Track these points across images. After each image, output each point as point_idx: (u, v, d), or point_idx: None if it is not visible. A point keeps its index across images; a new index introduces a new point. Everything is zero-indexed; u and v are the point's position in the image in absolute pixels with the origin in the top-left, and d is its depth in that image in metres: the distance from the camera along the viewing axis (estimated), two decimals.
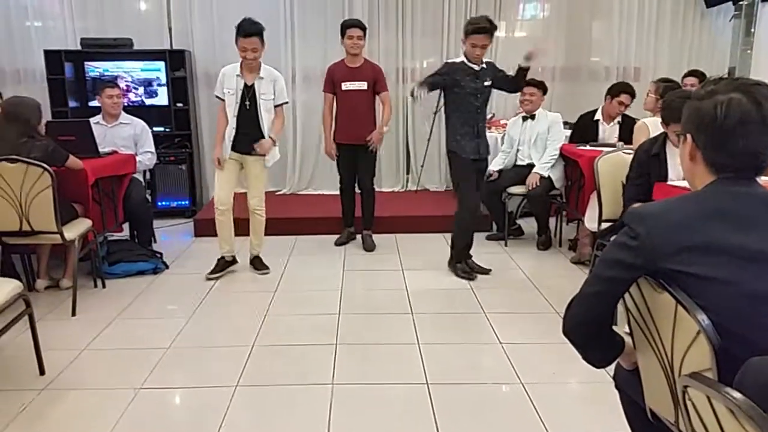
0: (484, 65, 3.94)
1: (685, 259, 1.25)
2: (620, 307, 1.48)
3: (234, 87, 4.03)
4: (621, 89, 4.78)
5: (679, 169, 3.24)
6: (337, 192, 4.97)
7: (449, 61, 3.86)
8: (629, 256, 1.32)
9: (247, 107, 4.05)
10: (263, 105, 4.05)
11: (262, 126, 4.07)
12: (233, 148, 4.10)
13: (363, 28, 4.56)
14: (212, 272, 4.21)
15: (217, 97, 4.15)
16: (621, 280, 1.37)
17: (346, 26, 4.56)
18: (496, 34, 6.14)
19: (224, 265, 4.28)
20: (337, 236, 5.03)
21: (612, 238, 1.41)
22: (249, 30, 3.85)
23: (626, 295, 1.45)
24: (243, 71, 4.03)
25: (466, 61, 3.83)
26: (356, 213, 5.01)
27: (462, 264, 3.97)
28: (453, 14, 6.19)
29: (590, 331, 1.45)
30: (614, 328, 1.48)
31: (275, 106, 4.12)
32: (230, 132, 4.07)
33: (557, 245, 4.95)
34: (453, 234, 4.12)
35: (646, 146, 3.36)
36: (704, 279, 1.24)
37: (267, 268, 4.33)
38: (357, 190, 4.93)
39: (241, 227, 4.42)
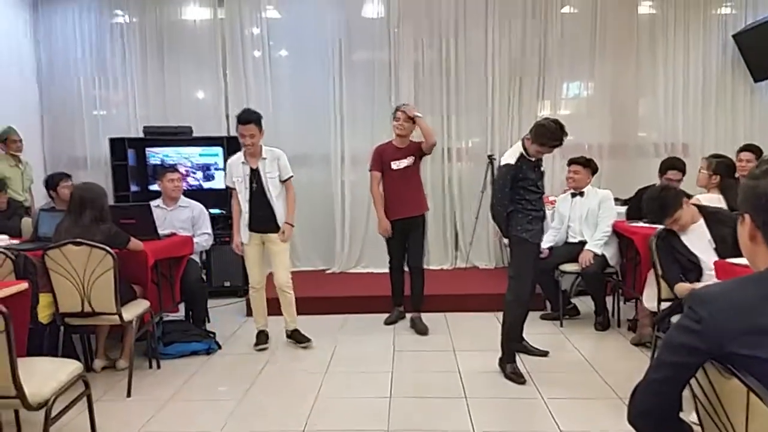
0: None
1: (752, 342, 1.20)
2: (686, 393, 1.41)
3: (241, 174, 4.30)
4: (668, 165, 4.72)
5: (694, 240, 3.40)
6: (386, 270, 4.96)
7: (509, 163, 3.64)
8: (693, 339, 1.27)
9: (254, 189, 4.30)
10: (270, 183, 4.29)
11: (272, 204, 4.30)
12: (252, 230, 4.34)
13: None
14: (259, 344, 4.43)
15: (228, 187, 4.42)
16: (686, 365, 1.31)
17: (394, 110, 4.76)
18: (540, 113, 6.30)
19: (266, 337, 4.49)
20: (386, 315, 4.99)
21: (675, 321, 1.37)
22: (246, 118, 4.18)
23: (693, 381, 1.38)
24: (247, 158, 4.30)
25: (525, 154, 3.67)
26: (405, 291, 4.97)
27: (513, 365, 3.76)
28: (497, 93, 6.34)
29: (657, 420, 1.39)
30: (681, 415, 1.41)
31: (282, 182, 4.35)
32: (246, 216, 4.32)
33: (615, 325, 4.78)
34: (505, 328, 3.82)
35: (656, 232, 3.57)
36: None
37: (309, 339, 4.41)
38: (405, 268, 4.91)
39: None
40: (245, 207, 4.31)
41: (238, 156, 4.35)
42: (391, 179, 4.71)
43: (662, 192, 3.47)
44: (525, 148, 3.67)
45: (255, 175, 4.30)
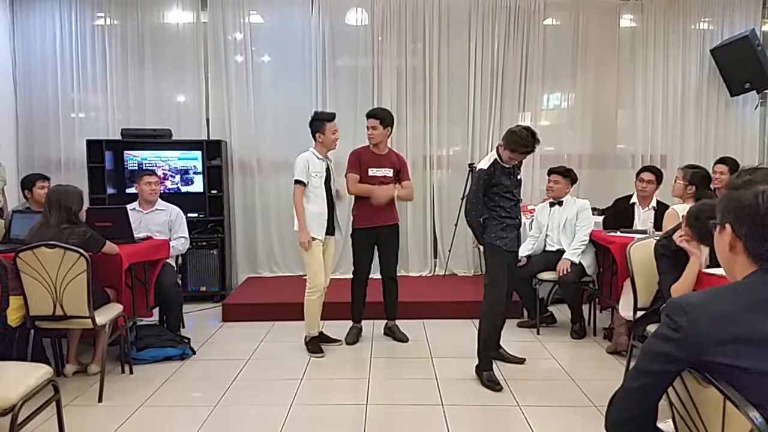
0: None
1: (730, 351, 1.21)
2: (663, 401, 1.41)
3: (321, 170, 4.31)
4: (643, 169, 4.88)
5: (704, 258, 3.19)
6: None
7: (482, 168, 3.69)
8: (671, 348, 1.28)
9: (328, 188, 4.36)
10: (334, 184, 4.43)
11: (335, 205, 4.44)
12: (327, 231, 4.34)
13: (379, 118, 4.45)
14: (317, 351, 4.36)
15: (300, 181, 4.25)
16: (664, 373, 1.32)
17: (366, 116, 4.55)
18: (521, 123, 6.34)
19: (325, 336, 4.56)
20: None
21: (653, 330, 1.37)
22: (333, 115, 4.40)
23: (670, 390, 1.39)
24: (325, 155, 4.36)
25: (499, 160, 3.71)
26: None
27: (489, 372, 3.75)
28: (478, 103, 6.39)
29: (634, 428, 1.39)
30: (659, 425, 1.41)
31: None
32: (323, 213, 4.29)
33: (591, 334, 4.81)
34: (481, 336, 3.81)
35: (663, 242, 3.29)
36: (751, 372, 1.19)
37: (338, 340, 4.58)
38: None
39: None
40: (323, 205, 4.29)
41: (311, 153, 4.32)
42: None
43: None
44: (499, 155, 3.71)
45: (328, 173, 4.37)
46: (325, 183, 4.33)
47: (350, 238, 4.68)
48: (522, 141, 3.60)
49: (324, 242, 4.34)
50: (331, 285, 4.54)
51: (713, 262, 3.17)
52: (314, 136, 4.38)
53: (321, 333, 4.52)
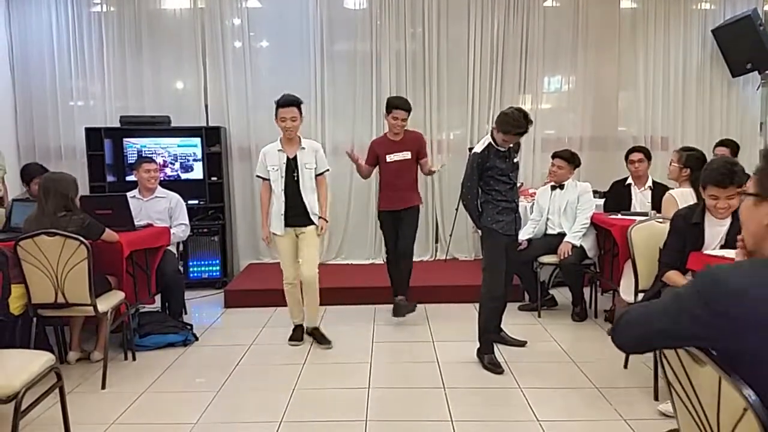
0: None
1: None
2: (662, 383, 1.42)
3: (277, 163, 4.13)
4: (630, 150, 4.94)
5: (715, 239, 3.16)
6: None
7: (476, 152, 3.71)
8: (700, 328, 1.20)
9: (295, 179, 4.12)
10: (306, 174, 4.14)
11: (304, 196, 4.13)
12: (287, 224, 4.14)
13: (407, 110, 4.59)
14: (294, 339, 4.30)
15: (260, 176, 4.24)
16: (685, 337, 1.27)
17: (392, 106, 4.59)
18: (521, 106, 6.31)
19: (302, 332, 4.35)
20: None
21: (688, 290, 1.25)
22: (287, 100, 4.06)
23: (668, 369, 1.39)
24: (284, 146, 4.16)
25: (493, 143, 3.70)
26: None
27: (490, 356, 3.78)
28: (478, 87, 6.35)
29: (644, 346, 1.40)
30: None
31: (317, 176, 4.21)
32: (280, 207, 4.12)
33: (593, 316, 4.82)
34: (480, 320, 3.84)
35: (684, 213, 3.27)
36: None
37: (329, 342, 4.24)
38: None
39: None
40: (281, 197, 4.11)
41: (273, 145, 4.20)
42: (386, 171, 4.68)
43: (738, 165, 3.11)
44: (493, 138, 3.70)
45: (292, 165, 4.13)
46: (293, 174, 4.12)
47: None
48: (514, 122, 3.58)
49: (295, 234, 4.18)
50: (336, 270, 4.56)
51: (728, 244, 3.08)
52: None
53: (316, 329, 4.32)
